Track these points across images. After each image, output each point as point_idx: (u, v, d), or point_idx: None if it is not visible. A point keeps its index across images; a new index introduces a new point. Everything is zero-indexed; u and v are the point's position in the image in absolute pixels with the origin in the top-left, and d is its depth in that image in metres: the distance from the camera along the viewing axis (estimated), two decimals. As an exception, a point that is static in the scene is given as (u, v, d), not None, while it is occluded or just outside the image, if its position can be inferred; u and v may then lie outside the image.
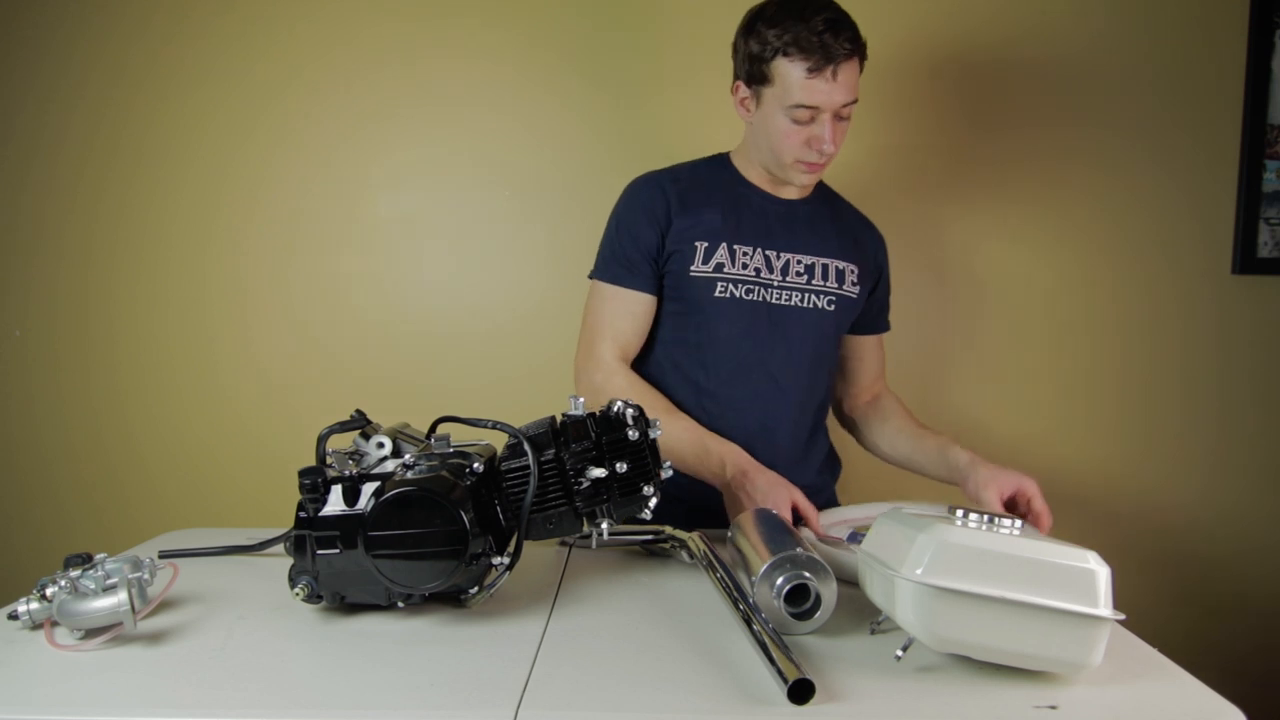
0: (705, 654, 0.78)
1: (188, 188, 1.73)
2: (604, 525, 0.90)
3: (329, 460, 0.89)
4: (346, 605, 0.86)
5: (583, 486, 0.88)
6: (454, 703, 0.68)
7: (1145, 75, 1.70)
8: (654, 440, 0.90)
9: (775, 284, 1.27)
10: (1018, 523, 0.76)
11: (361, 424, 0.97)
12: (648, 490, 0.89)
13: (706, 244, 1.26)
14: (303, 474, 0.83)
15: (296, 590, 0.83)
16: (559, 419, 0.91)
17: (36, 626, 0.81)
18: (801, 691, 0.67)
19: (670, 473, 0.92)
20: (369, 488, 0.82)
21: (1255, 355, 1.75)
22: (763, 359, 1.27)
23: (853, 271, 1.32)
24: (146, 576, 0.86)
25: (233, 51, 1.70)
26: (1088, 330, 1.74)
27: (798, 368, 1.29)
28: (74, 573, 0.83)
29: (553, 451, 0.88)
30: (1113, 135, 1.71)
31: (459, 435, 0.94)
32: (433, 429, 1.00)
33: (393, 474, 0.84)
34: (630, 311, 1.28)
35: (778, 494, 1.10)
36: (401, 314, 1.75)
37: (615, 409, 0.90)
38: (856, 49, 1.18)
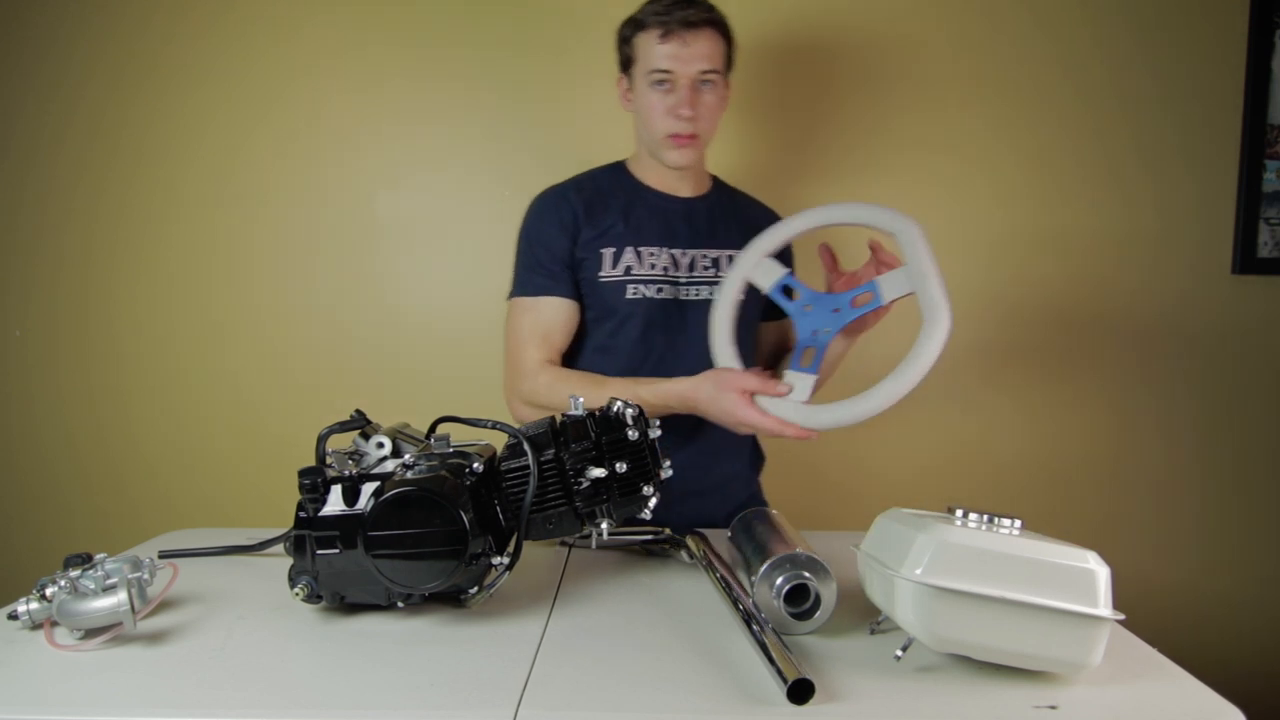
0: (705, 654, 0.78)
1: (188, 188, 1.73)
2: (604, 525, 0.90)
3: (329, 460, 0.89)
4: (346, 605, 0.86)
5: (582, 486, 0.88)
6: (454, 703, 0.69)
7: (1145, 75, 1.70)
8: (654, 440, 0.90)
9: (684, 280, 1.30)
10: (1018, 522, 0.76)
11: (361, 424, 0.97)
12: (647, 490, 0.89)
13: (613, 249, 1.28)
14: (302, 474, 0.83)
15: (296, 590, 0.83)
16: (559, 419, 0.92)
17: (36, 626, 0.82)
18: (801, 691, 0.67)
19: (670, 473, 0.92)
20: (369, 488, 0.82)
21: (1255, 355, 1.75)
22: (680, 354, 1.28)
23: None
24: (146, 576, 0.86)
25: (233, 52, 1.70)
26: (1087, 330, 1.74)
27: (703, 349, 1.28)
28: (74, 573, 0.83)
29: (552, 451, 0.88)
30: (1112, 135, 1.71)
31: (459, 435, 0.94)
32: (433, 429, 1.00)
33: (392, 474, 0.84)
34: (553, 318, 1.29)
35: (726, 402, 1.09)
36: (401, 314, 1.75)
37: (615, 409, 0.90)
38: (710, 20, 1.24)
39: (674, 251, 1.31)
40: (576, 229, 1.29)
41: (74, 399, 1.76)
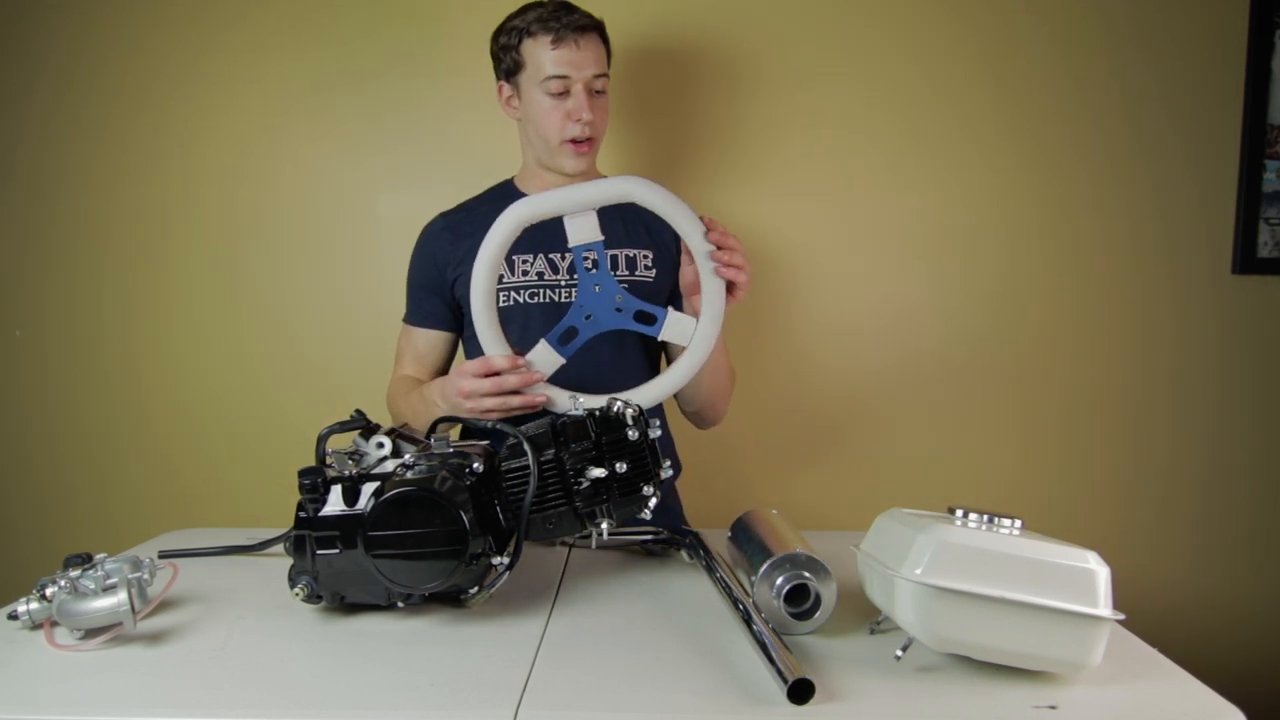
0: (705, 654, 0.78)
1: (198, 187, 1.72)
2: (604, 525, 0.90)
3: (329, 460, 0.89)
4: (346, 605, 0.86)
5: (582, 486, 0.88)
6: (454, 703, 0.69)
7: (1145, 75, 1.70)
8: (654, 440, 0.90)
9: (563, 283, 1.30)
10: (1018, 522, 0.76)
11: (361, 424, 0.97)
12: (647, 490, 0.89)
13: None
14: (302, 474, 0.83)
15: (296, 590, 0.83)
16: (559, 419, 0.92)
17: (36, 626, 0.82)
18: (801, 691, 0.67)
19: (670, 473, 0.92)
20: (369, 488, 0.82)
21: (1255, 356, 1.75)
22: (569, 361, 1.25)
23: (645, 257, 1.34)
24: (146, 576, 0.86)
25: (234, 54, 1.70)
26: (1086, 330, 1.74)
27: (600, 357, 1.27)
28: (74, 573, 0.83)
29: (552, 451, 0.88)
30: (1112, 135, 1.71)
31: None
32: (433, 429, 1.00)
33: (392, 474, 0.84)
34: (421, 344, 1.37)
35: (449, 385, 1.12)
36: (402, 314, 1.75)
37: (615, 409, 0.90)
38: (593, 23, 1.27)
39: (551, 256, 1.31)
40: (443, 253, 1.34)
41: (74, 400, 1.76)
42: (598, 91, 1.28)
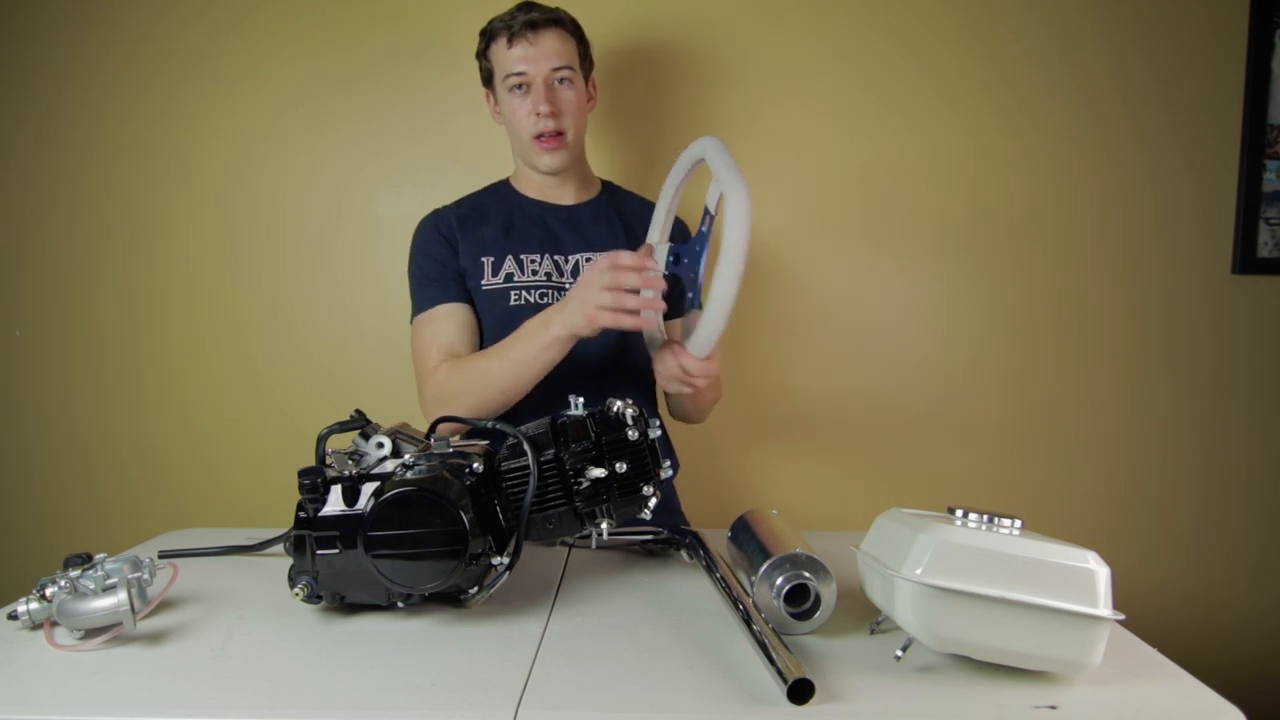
0: (705, 654, 0.78)
1: (196, 186, 1.72)
2: (604, 525, 0.90)
3: (328, 460, 0.89)
4: (346, 605, 0.86)
5: (582, 486, 0.88)
6: (454, 703, 0.69)
7: (1145, 75, 1.70)
8: (654, 440, 0.90)
9: (568, 285, 1.31)
10: (1018, 522, 0.76)
11: (361, 424, 0.97)
12: (647, 490, 0.89)
13: (492, 258, 1.31)
14: (302, 474, 0.83)
15: (296, 590, 0.83)
16: (558, 419, 0.92)
17: (36, 626, 0.82)
18: (801, 691, 0.67)
19: (670, 472, 0.92)
20: (368, 488, 0.82)
21: (1254, 355, 1.75)
22: (572, 356, 1.22)
23: None
24: (146, 576, 0.86)
25: (236, 54, 1.70)
26: (1086, 330, 1.74)
27: (605, 358, 1.29)
28: (74, 573, 0.83)
29: (552, 451, 0.88)
30: (1112, 135, 1.71)
31: (459, 435, 0.94)
32: (432, 429, 1.00)
33: (392, 474, 0.84)
34: (448, 323, 1.29)
35: (590, 270, 1.06)
36: (402, 314, 1.75)
37: (615, 409, 0.90)
38: (555, 19, 1.28)
39: (556, 258, 1.32)
40: (455, 241, 1.32)
41: (74, 399, 1.76)
42: (562, 83, 1.28)
